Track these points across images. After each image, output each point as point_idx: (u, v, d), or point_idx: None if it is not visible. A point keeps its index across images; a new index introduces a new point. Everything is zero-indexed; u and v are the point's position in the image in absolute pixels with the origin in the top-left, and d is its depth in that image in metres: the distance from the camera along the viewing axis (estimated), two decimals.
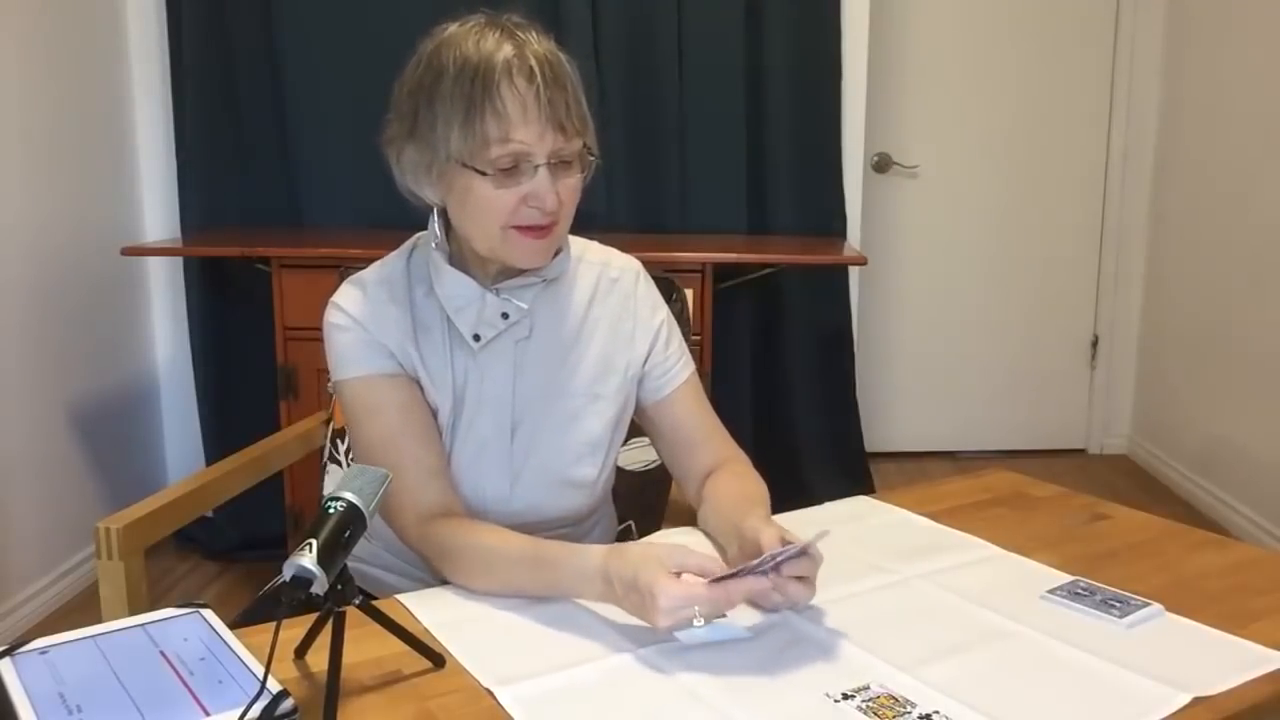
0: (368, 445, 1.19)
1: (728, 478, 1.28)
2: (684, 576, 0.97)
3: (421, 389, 1.22)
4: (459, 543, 1.12)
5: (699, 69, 3.05)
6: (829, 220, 3.20)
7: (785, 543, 1.03)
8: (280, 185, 3.02)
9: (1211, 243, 3.40)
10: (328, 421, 1.76)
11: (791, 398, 3.26)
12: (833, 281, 3.27)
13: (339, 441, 1.70)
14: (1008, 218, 3.85)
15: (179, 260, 3.05)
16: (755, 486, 1.26)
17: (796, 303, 3.24)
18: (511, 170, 1.11)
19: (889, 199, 3.74)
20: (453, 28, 1.14)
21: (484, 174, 1.10)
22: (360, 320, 1.20)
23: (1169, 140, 3.72)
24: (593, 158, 1.17)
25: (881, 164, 3.70)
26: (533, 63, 1.09)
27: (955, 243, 3.85)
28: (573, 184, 1.15)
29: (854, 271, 3.30)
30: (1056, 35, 3.74)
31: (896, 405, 3.88)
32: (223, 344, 3.03)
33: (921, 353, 3.90)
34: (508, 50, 1.10)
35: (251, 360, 2.93)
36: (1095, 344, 3.99)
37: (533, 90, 1.09)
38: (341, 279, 1.70)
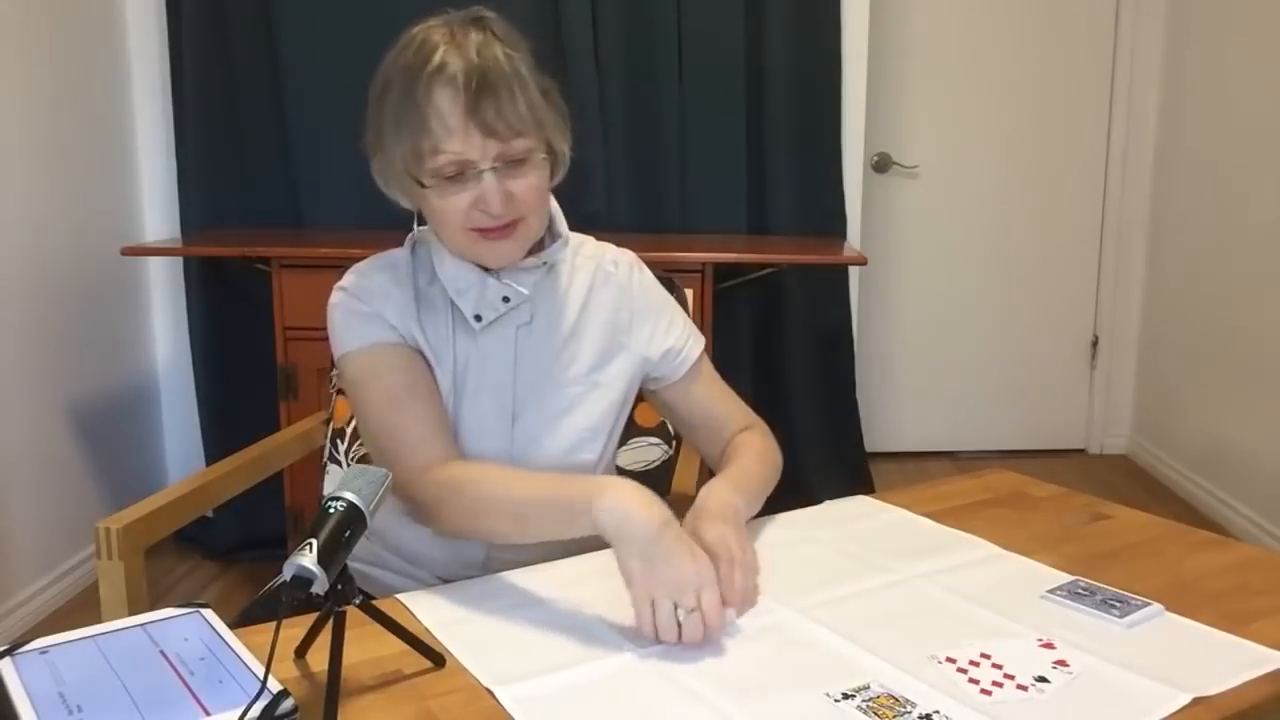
0: (372, 408, 1.20)
1: (733, 450, 1.31)
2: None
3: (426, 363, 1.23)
4: (471, 479, 1.13)
5: (699, 69, 3.05)
6: (829, 220, 3.20)
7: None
8: (280, 185, 3.02)
9: (1211, 243, 3.40)
10: (328, 421, 1.76)
11: (791, 398, 3.26)
12: (833, 281, 3.27)
13: (339, 441, 1.70)
14: (1008, 218, 3.85)
15: (179, 260, 3.05)
16: (746, 452, 1.29)
17: (796, 303, 3.24)
18: (457, 177, 1.12)
19: (889, 199, 3.74)
20: (415, 29, 1.15)
21: (426, 186, 1.13)
22: (360, 296, 1.22)
23: (1169, 140, 3.72)
24: (560, 153, 1.18)
25: (881, 164, 3.71)
26: (457, 72, 1.09)
27: (955, 243, 3.85)
28: (530, 182, 1.15)
29: (854, 271, 3.30)
30: (1056, 35, 3.74)
31: (896, 405, 3.88)
32: (223, 344, 3.03)
33: (921, 353, 3.90)
34: (436, 60, 1.10)
35: (251, 360, 2.93)
36: (1095, 344, 4.00)
37: (459, 100, 1.09)
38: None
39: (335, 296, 1.24)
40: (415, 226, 1.25)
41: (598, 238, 1.36)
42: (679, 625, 0.96)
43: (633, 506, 1.01)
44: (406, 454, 1.16)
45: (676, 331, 1.33)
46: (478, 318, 1.22)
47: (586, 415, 1.27)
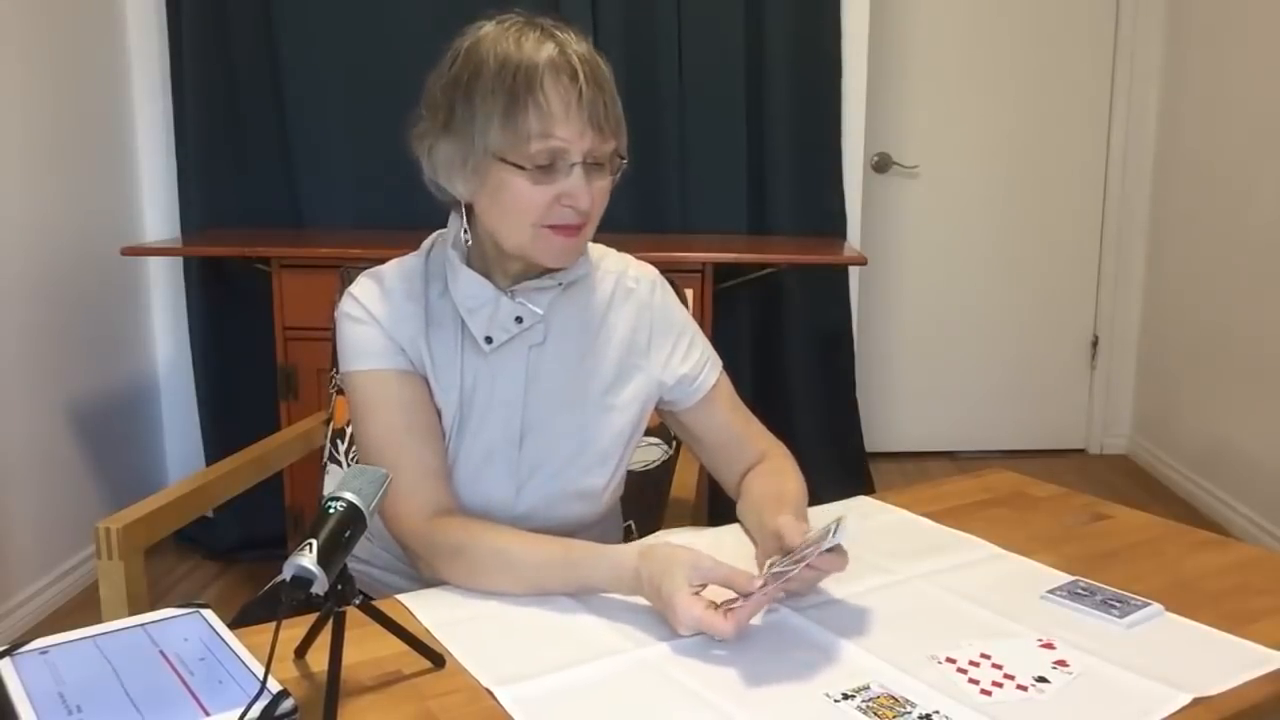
0: (371, 439, 1.19)
1: (763, 474, 1.29)
2: (708, 589, 0.99)
3: (429, 388, 1.21)
4: (475, 541, 1.12)
5: (699, 69, 3.05)
6: (829, 220, 3.20)
7: (806, 538, 1.04)
8: (280, 185, 3.02)
9: (1211, 243, 3.40)
10: (328, 421, 1.76)
11: (791, 398, 3.26)
12: (833, 281, 3.27)
13: (339, 441, 1.71)
14: (1008, 218, 3.85)
15: (179, 260, 3.05)
16: (789, 483, 1.26)
17: (796, 303, 3.24)
18: (548, 168, 1.11)
19: (889, 199, 3.74)
20: (489, 26, 1.14)
21: (522, 169, 1.10)
22: (375, 315, 1.20)
23: (1169, 140, 3.72)
24: (622, 159, 1.17)
25: (881, 164, 3.70)
26: (575, 61, 1.10)
27: (955, 243, 3.85)
28: (604, 186, 1.15)
29: (854, 271, 3.30)
30: (1056, 35, 3.74)
31: (896, 405, 3.88)
32: (223, 344, 3.03)
33: (921, 353, 3.90)
34: (550, 49, 1.10)
35: (251, 360, 2.92)
36: (1095, 344, 3.99)
37: (575, 89, 1.09)
38: (342, 279, 1.71)
39: (348, 305, 1.22)
40: (457, 219, 1.20)
41: (597, 238, 1.35)
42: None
43: (623, 585, 1.05)
44: (402, 498, 1.15)
45: (694, 358, 1.31)
46: (488, 340, 1.20)
47: (597, 439, 1.25)
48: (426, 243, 1.27)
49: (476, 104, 1.10)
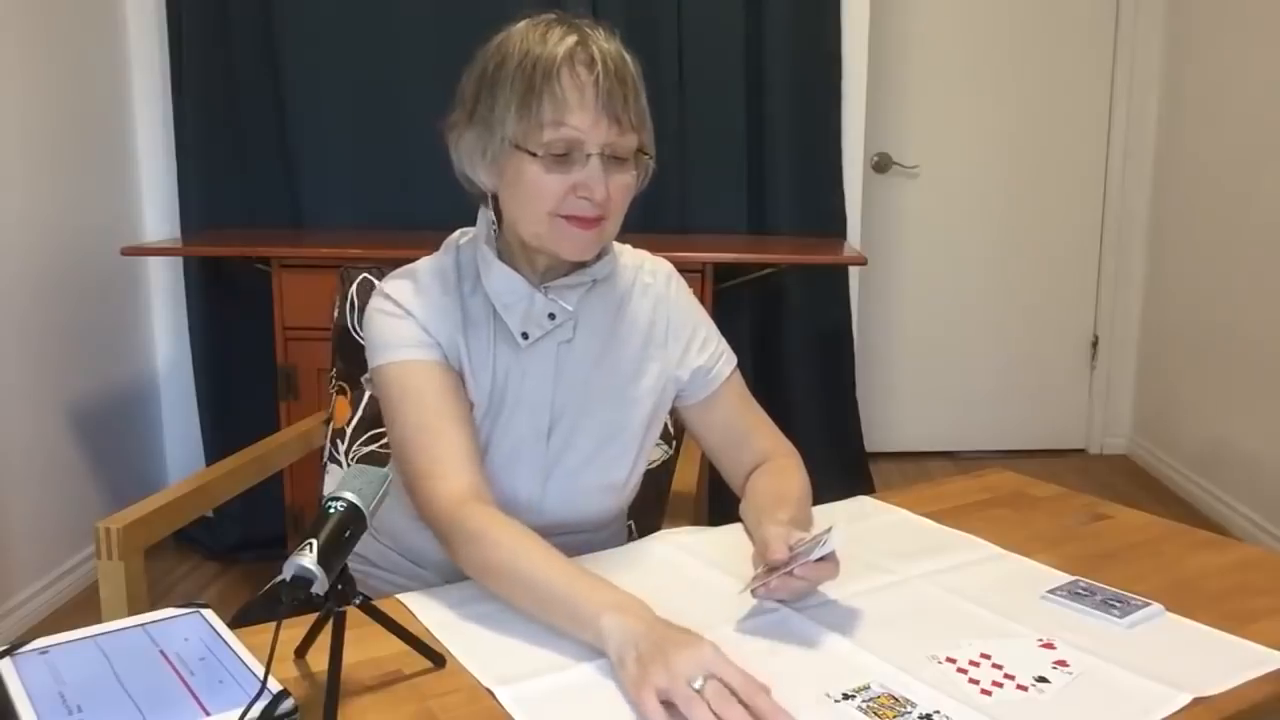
0: (407, 426, 1.17)
1: (767, 474, 1.29)
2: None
3: (463, 381, 1.21)
4: (494, 536, 1.07)
5: (699, 69, 3.05)
6: (829, 220, 3.20)
7: (792, 546, 1.04)
8: (280, 185, 3.02)
9: (1211, 243, 3.40)
10: (328, 421, 1.76)
11: (791, 398, 3.26)
12: (833, 281, 3.27)
13: (339, 441, 1.71)
14: (1008, 218, 3.85)
15: (179, 260, 3.05)
16: (792, 483, 1.26)
17: (796, 303, 3.24)
18: (563, 157, 1.11)
19: (889, 199, 3.74)
20: (522, 24, 1.16)
21: (535, 155, 1.11)
22: (410, 310, 1.20)
23: (1169, 140, 3.72)
24: (647, 156, 1.17)
25: (881, 164, 3.71)
26: (596, 54, 1.11)
27: (955, 243, 3.85)
28: (624, 181, 1.15)
29: (854, 271, 3.30)
30: (1057, 35, 3.75)
31: (896, 405, 3.88)
32: (223, 344, 3.03)
33: (921, 353, 3.90)
34: (571, 41, 1.11)
35: (251, 360, 2.93)
36: (1095, 344, 4.00)
37: (592, 78, 1.10)
38: (342, 279, 1.71)
39: (380, 303, 1.21)
40: (485, 213, 1.21)
41: None
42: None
43: (628, 617, 0.94)
44: (437, 479, 1.13)
45: (710, 349, 1.32)
46: (525, 335, 1.20)
47: (620, 431, 1.26)
48: (451, 242, 1.27)
49: (498, 94, 1.12)
